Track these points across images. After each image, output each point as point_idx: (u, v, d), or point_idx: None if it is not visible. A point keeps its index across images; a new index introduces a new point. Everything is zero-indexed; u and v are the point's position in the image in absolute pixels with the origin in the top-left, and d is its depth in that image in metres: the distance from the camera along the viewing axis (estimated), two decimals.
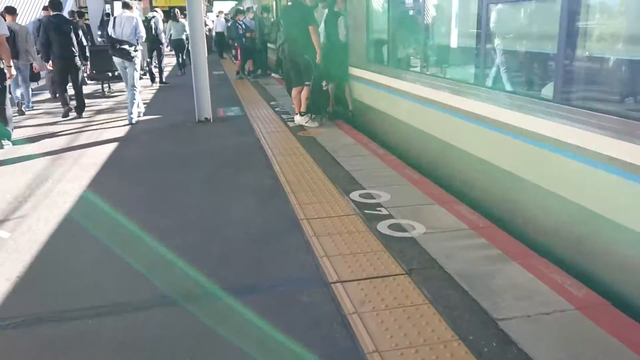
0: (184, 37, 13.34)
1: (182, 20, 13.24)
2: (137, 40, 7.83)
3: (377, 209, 3.88)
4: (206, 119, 7.63)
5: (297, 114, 7.23)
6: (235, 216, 3.90)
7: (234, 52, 18.91)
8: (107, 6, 33.31)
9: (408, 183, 4.49)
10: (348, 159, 5.33)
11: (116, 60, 7.81)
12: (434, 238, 3.34)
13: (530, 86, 3.68)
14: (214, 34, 19.25)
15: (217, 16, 21.07)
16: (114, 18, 8.09)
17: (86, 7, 16.00)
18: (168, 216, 3.95)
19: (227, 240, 3.48)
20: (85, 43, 8.39)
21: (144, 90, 11.67)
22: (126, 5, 8.23)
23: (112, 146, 6.30)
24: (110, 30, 7.86)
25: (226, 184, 4.70)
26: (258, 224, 3.72)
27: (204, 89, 7.52)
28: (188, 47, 10.26)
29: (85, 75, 11.96)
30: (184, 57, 14.20)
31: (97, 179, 4.94)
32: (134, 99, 7.79)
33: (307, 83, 6.90)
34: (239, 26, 12.77)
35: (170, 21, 13.75)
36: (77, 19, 13.74)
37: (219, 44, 19.16)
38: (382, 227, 3.53)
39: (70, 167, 5.44)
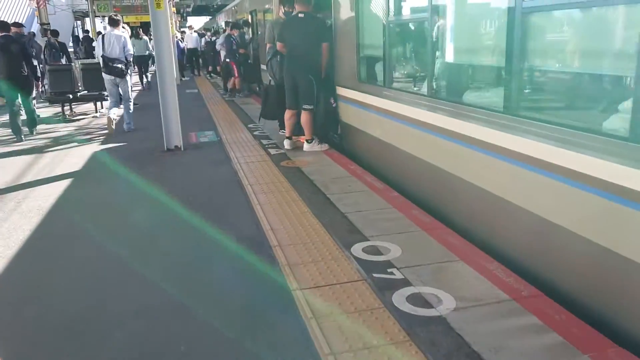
0: (147, 53, 13.56)
1: (144, 37, 13.14)
2: (125, 57, 7.99)
3: (388, 270, 3.08)
4: (176, 147, 6.77)
5: (287, 137, 6.48)
6: (208, 286, 3.05)
7: (210, 68, 18.25)
8: (78, 22, 32.16)
9: (419, 229, 3.71)
10: (342, 196, 4.53)
11: (107, 77, 8.01)
12: (470, 317, 2.56)
13: (587, 118, 2.93)
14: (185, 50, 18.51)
15: (183, 32, 20.35)
16: (102, 36, 8.14)
17: (48, 23, 15.02)
18: (121, 293, 3.08)
19: (194, 331, 2.63)
20: (35, 63, 7.84)
21: (109, 113, 10.75)
22: (114, 23, 8.06)
23: (64, 184, 5.39)
24: (99, 49, 8.10)
25: (196, 238, 3.83)
26: (237, 300, 2.88)
27: (173, 113, 6.67)
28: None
29: (42, 96, 11.14)
30: (147, 76, 14.30)
31: (37, 236, 4.03)
32: (130, 110, 8.32)
33: (307, 107, 6.16)
34: (233, 41, 12.00)
35: (132, 38, 13.05)
36: (50, 37, 13.13)
37: (190, 60, 18.54)
38: (399, 300, 2.73)
39: (9, 214, 4.52)
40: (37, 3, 14.41)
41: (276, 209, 4.27)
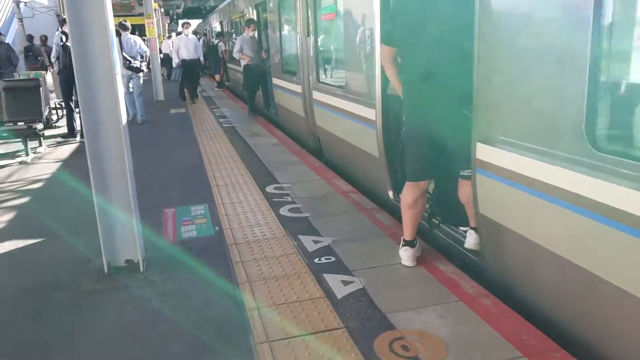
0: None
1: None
2: (140, 55, 9.03)
3: None
4: (128, 262, 3.25)
5: (407, 242, 3.16)
6: None
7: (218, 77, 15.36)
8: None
9: None
10: None
11: (124, 72, 8.39)
12: None
13: None
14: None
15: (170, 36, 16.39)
16: (119, 39, 8.55)
17: None
18: None
19: None
20: None
21: (48, 157, 7.14)
22: (125, 28, 8.89)
23: None
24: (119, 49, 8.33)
25: None
26: None
27: (122, 197, 3.15)
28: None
29: None
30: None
31: None
32: (141, 104, 9.25)
33: (466, 173, 2.95)
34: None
35: None
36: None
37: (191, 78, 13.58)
38: None
39: None
40: None
41: None
